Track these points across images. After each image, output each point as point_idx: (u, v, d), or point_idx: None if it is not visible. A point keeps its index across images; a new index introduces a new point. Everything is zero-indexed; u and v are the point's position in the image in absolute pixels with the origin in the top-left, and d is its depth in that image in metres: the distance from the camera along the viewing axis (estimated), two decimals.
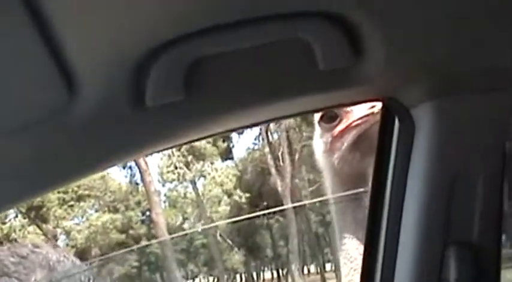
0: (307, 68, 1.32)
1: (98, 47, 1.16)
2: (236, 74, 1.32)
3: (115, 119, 1.27)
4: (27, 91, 1.20)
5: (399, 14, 1.27)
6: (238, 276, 31.76)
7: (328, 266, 29.23)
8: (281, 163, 25.81)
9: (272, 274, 32.92)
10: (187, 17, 1.17)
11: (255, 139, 28.89)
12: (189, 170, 27.61)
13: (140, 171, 25.02)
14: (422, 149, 1.56)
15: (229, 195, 28.61)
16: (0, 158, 1.26)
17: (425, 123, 1.54)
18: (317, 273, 29.88)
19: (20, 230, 26.82)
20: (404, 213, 1.61)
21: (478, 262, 1.57)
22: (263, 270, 33.87)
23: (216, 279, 31.59)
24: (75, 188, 26.45)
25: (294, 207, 24.38)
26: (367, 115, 1.93)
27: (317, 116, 2.06)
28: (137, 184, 29.35)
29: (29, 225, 27.31)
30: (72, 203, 27.19)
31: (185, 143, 1.47)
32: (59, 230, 27.46)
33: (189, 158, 27.42)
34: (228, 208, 28.57)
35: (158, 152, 1.46)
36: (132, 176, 29.57)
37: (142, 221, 29.65)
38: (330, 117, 2.00)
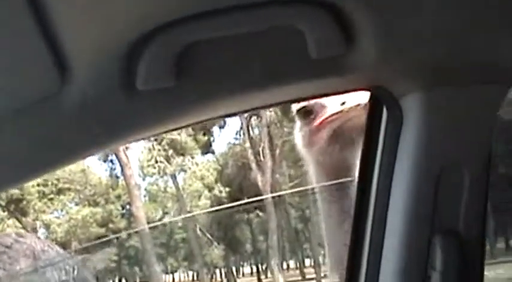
0: (298, 56, 1.33)
1: (89, 32, 1.16)
2: (227, 60, 1.32)
3: (106, 103, 1.27)
4: (19, 76, 1.20)
5: (391, 5, 1.28)
6: (217, 270, 31.78)
7: (307, 262, 29.35)
8: (262, 158, 25.83)
9: (251, 269, 33.00)
10: (180, 1, 1.17)
11: (236, 134, 28.93)
12: (170, 164, 27.56)
13: (121, 165, 24.99)
14: (410, 139, 1.57)
15: (210, 190, 28.59)
16: None
17: (413, 114, 1.55)
18: (296, 268, 29.99)
19: None
20: (391, 202, 1.62)
21: (464, 251, 1.59)
22: (242, 265, 33.95)
23: (195, 274, 31.60)
24: (55, 181, 26.36)
25: (274, 203, 24.42)
26: (340, 111, 1.94)
27: (295, 109, 2.08)
28: (117, 178, 29.30)
29: (9, 219, 27.16)
30: (52, 196, 27.07)
31: (176, 129, 1.47)
32: (38, 223, 27.31)
33: (170, 152, 27.37)
34: (209, 202, 28.54)
35: (150, 136, 1.46)
36: (113, 169, 29.54)
37: (123, 215, 29.59)
38: (306, 112, 2.02)
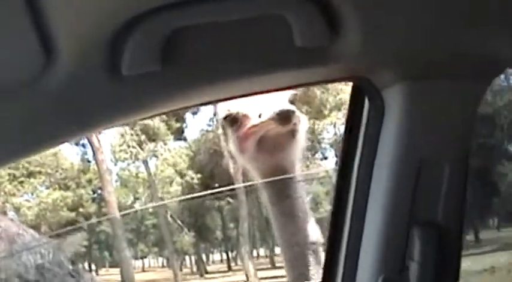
0: (283, 45, 1.34)
1: (75, 16, 1.16)
2: (213, 47, 1.32)
3: (92, 87, 1.27)
4: (4, 57, 1.19)
5: None
6: (187, 257, 31.76)
7: (277, 250, 29.39)
8: None
9: (222, 256, 33.01)
10: None
11: (209, 120, 28.81)
12: (142, 149, 27.44)
13: (93, 149, 24.83)
14: (391, 130, 1.59)
15: (182, 176, 28.52)
16: None
17: (395, 105, 1.56)
18: (266, 256, 30.03)
19: None
20: (371, 193, 1.64)
21: (442, 242, 1.61)
22: (213, 252, 33.95)
23: (165, 260, 31.56)
24: (26, 164, 26.09)
25: (246, 190, 24.41)
26: (258, 124, 1.94)
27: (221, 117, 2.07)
28: (89, 162, 29.12)
29: None
30: (22, 179, 26.82)
31: (161, 114, 1.48)
32: (8, 206, 27.07)
33: (142, 137, 27.24)
34: (180, 188, 28.47)
35: (134, 120, 1.46)
36: (84, 153, 29.36)
37: (93, 199, 29.42)
38: (232, 120, 2.01)
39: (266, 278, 23.40)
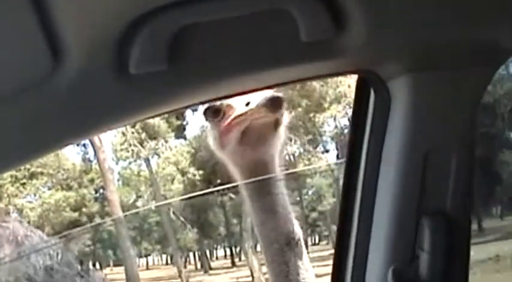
0: (290, 39, 1.34)
1: (83, 15, 1.16)
2: (220, 44, 1.33)
3: (99, 86, 1.27)
4: (13, 58, 1.19)
5: None
6: (191, 254, 31.78)
7: None
8: None
9: (225, 252, 33.03)
10: None
11: None
12: (143, 147, 27.44)
13: (94, 149, 24.83)
14: (397, 122, 1.60)
15: (183, 174, 28.50)
16: None
17: (401, 97, 1.57)
18: None
19: None
20: (379, 184, 1.65)
21: (451, 231, 1.62)
22: (216, 248, 33.96)
23: (169, 257, 31.58)
24: (28, 166, 26.06)
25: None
26: (244, 113, 1.85)
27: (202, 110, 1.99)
28: (91, 162, 29.13)
29: None
30: (24, 180, 26.82)
31: (168, 112, 1.48)
32: (11, 208, 27.06)
33: (143, 135, 27.23)
34: (182, 186, 28.47)
35: (142, 120, 1.46)
36: (86, 153, 29.35)
37: (96, 199, 29.44)
38: (214, 111, 1.94)
39: None
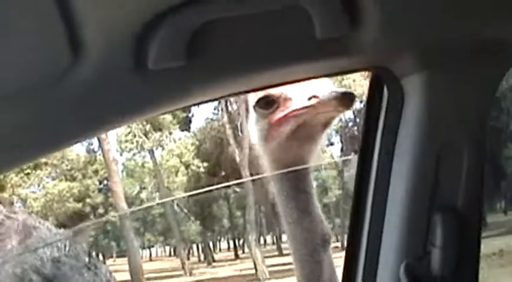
0: (305, 36, 1.35)
1: (103, 11, 1.17)
2: (237, 40, 1.33)
3: (117, 81, 1.28)
4: (32, 53, 1.20)
5: None
6: (194, 246, 31.85)
7: (284, 237, 29.43)
8: (240, 133, 25.79)
9: (228, 244, 33.10)
10: None
11: (214, 109, 28.80)
12: (148, 139, 27.49)
13: (98, 140, 24.86)
14: (410, 118, 1.60)
15: (187, 166, 28.56)
16: (5, 120, 1.26)
17: (414, 93, 1.57)
18: (273, 243, 30.13)
19: None
20: (392, 180, 1.65)
21: (463, 227, 1.62)
22: (219, 240, 34.03)
23: (172, 249, 31.65)
24: None
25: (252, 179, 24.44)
26: (307, 107, 1.81)
27: (253, 100, 1.95)
28: (95, 152, 29.20)
29: None
30: (28, 171, 26.86)
31: (186, 107, 1.48)
32: (15, 198, 27.12)
33: (148, 127, 27.28)
34: (186, 178, 28.53)
35: (155, 115, 1.47)
36: (90, 144, 29.40)
37: (100, 190, 29.49)
38: (267, 103, 1.89)
39: (273, 265, 23.46)
